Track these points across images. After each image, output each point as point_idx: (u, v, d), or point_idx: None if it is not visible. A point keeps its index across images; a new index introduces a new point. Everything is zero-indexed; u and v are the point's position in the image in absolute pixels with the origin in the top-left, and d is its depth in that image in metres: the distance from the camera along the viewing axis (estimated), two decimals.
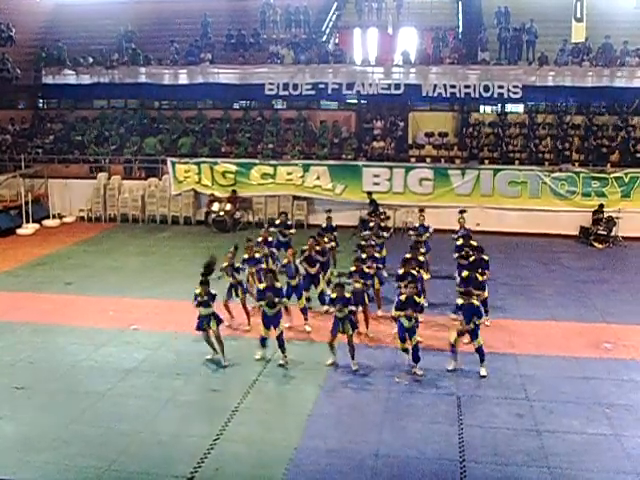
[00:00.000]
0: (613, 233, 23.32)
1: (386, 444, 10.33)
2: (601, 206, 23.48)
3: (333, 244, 18.01)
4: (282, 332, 13.11)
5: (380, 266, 15.85)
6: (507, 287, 18.21)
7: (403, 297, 12.67)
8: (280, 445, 10.27)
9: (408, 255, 15.12)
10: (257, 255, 15.83)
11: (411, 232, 18.20)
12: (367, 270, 14.83)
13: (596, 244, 23.06)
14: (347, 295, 12.93)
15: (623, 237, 23.40)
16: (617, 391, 12.15)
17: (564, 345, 14.25)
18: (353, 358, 12.97)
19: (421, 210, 19.63)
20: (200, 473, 9.57)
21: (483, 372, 12.67)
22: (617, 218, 23.36)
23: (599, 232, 23.15)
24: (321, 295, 15.54)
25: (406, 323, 12.58)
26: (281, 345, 13.07)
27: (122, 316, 15.70)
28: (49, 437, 10.44)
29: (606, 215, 23.38)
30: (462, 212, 18.48)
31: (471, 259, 15.22)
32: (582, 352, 13.88)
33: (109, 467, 9.68)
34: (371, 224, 18.45)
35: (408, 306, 12.48)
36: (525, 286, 18.46)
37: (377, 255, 15.97)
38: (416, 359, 12.74)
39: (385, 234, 17.89)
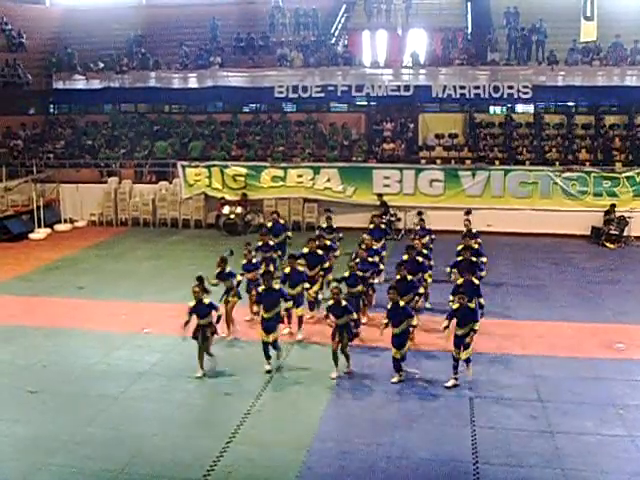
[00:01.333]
0: (625, 233, 23.21)
1: (399, 446, 10.30)
2: (613, 206, 23.36)
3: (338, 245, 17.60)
4: (277, 339, 12.96)
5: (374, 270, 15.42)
6: (519, 288, 18.15)
7: (389, 305, 12.45)
8: (292, 447, 10.27)
9: (404, 257, 14.94)
10: (254, 260, 15.45)
11: (411, 236, 17.92)
12: (360, 274, 14.48)
13: (608, 244, 22.95)
14: (343, 302, 12.58)
15: (635, 237, 23.30)
16: (631, 392, 12.08)
17: (576, 346, 14.18)
18: (348, 363, 12.77)
19: (419, 213, 19.56)
20: (212, 476, 9.58)
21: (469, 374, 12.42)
22: (629, 218, 23.25)
23: (611, 232, 23.03)
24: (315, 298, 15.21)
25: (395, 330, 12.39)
26: (275, 347, 13.01)
27: (134, 320, 15.74)
28: (62, 440, 10.48)
29: (618, 215, 23.27)
30: (468, 213, 18.41)
31: (459, 258, 15.25)
32: (595, 353, 13.81)
33: (122, 470, 9.71)
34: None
35: (393, 312, 12.34)
36: (537, 287, 18.37)
37: (370, 260, 15.34)
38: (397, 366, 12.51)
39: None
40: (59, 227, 26.07)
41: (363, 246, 15.77)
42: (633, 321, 15.61)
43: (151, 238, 24.69)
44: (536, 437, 10.55)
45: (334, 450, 10.19)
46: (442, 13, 31.91)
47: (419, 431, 10.76)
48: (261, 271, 14.93)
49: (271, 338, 12.85)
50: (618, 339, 14.47)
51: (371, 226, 18.15)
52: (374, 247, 16.32)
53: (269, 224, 18.61)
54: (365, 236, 16.88)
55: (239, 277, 14.84)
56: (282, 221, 19.06)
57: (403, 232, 24.45)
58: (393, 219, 24.31)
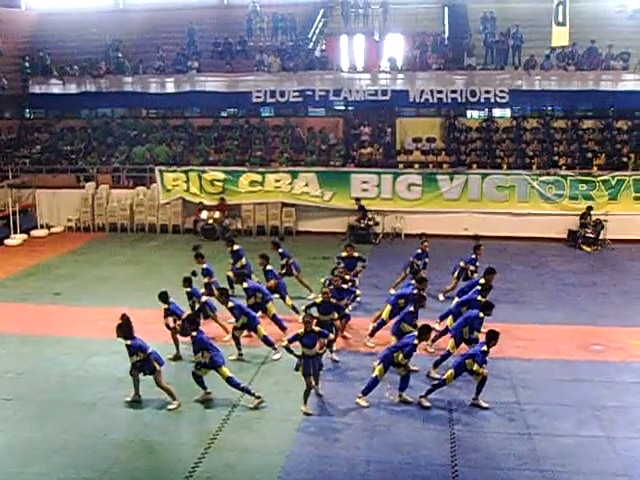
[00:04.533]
0: (601, 236, 23.42)
1: (378, 450, 10.33)
2: (589, 209, 23.57)
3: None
4: (229, 377, 11.76)
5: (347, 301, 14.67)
6: (496, 291, 18.02)
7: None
8: (271, 452, 10.26)
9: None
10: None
11: (415, 260, 17.14)
12: (334, 302, 13.56)
13: (584, 247, 23.15)
14: (316, 329, 11.85)
15: (611, 240, 23.50)
16: (608, 393, 12.20)
17: (554, 348, 14.31)
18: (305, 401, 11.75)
19: (422, 235, 18.28)
20: None
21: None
22: (605, 221, 23.46)
23: (587, 235, 23.24)
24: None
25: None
26: (234, 385, 11.88)
27: (112, 326, 15.34)
28: (41, 448, 10.39)
29: (594, 218, 23.48)
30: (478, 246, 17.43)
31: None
32: (572, 355, 13.93)
33: (101, 477, 9.63)
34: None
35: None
36: (514, 290, 18.46)
37: (345, 286, 14.64)
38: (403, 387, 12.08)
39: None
40: (35, 233, 25.82)
41: (337, 272, 15.02)
42: (610, 323, 15.78)
43: (129, 243, 24.54)
44: (514, 439, 10.62)
45: (313, 455, 10.18)
46: (419, 18, 32.05)
47: (398, 435, 10.79)
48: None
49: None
50: (595, 341, 14.62)
51: (344, 254, 16.79)
52: (346, 277, 15.41)
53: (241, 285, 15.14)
54: (340, 263, 16.27)
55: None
56: (270, 267, 16.11)
57: (381, 236, 24.53)
58: (371, 223, 24.36)
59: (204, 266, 15.75)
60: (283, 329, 14.36)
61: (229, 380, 11.77)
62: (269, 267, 15.94)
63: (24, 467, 9.88)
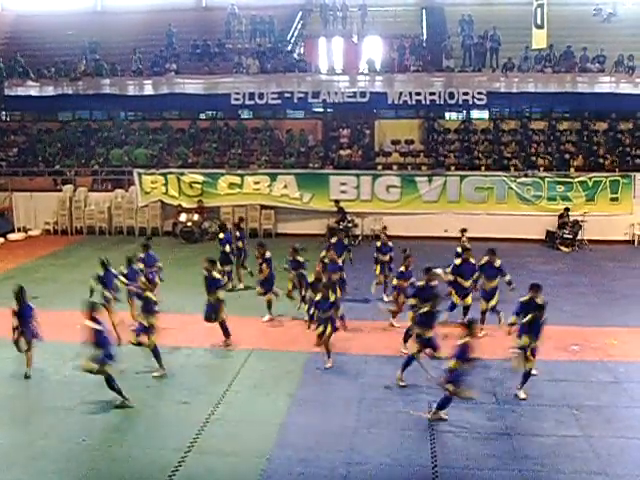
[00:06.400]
0: (579, 237, 23.62)
1: (358, 451, 10.32)
2: (567, 210, 23.76)
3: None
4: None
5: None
6: (475, 292, 18.25)
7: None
8: (252, 455, 10.22)
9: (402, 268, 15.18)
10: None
11: (378, 256, 17.38)
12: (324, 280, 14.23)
13: (562, 248, 23.34)
14: (332, 298, 13.07)
15: (588, 240, 23.70)
16: (585, 392, 12.30)
17: None
18: (329, 357, 13.24)
19: (384, 227, 19.45)
20: None
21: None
22: (582, 222, 23.66)
23: (565, 236, 23.44)
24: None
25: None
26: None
27: None
28: (18, 454, 10.28)
29: (571, 219, 23.67)
30: (464, 231, 18.37)
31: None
32: (550, 355, 13.96)
33: None
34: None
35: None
36: None
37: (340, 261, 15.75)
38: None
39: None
40: (12, 236, 25.65)
41: (332, 251, 15.89)
42: (587, 323, 15.92)
43: (107, 247, 24.33)
44: (494, 439, 10.67)
45: (294, 457, 10.16)
46: (397, 21, 32.19)
47: (379, 436, 10.79)
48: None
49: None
50: (573, 341, 14.72)
51: (333, 240, 17.38)
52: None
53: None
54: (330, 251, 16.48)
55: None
56: (269, 254, 16.42)
57: (360, 238, 24.57)
58: (350, 225, 24.39)
59: (143, 255, 16.71)
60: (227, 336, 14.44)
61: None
62: (268, 254, 16.08)
63: (2, 473, 9.78)
